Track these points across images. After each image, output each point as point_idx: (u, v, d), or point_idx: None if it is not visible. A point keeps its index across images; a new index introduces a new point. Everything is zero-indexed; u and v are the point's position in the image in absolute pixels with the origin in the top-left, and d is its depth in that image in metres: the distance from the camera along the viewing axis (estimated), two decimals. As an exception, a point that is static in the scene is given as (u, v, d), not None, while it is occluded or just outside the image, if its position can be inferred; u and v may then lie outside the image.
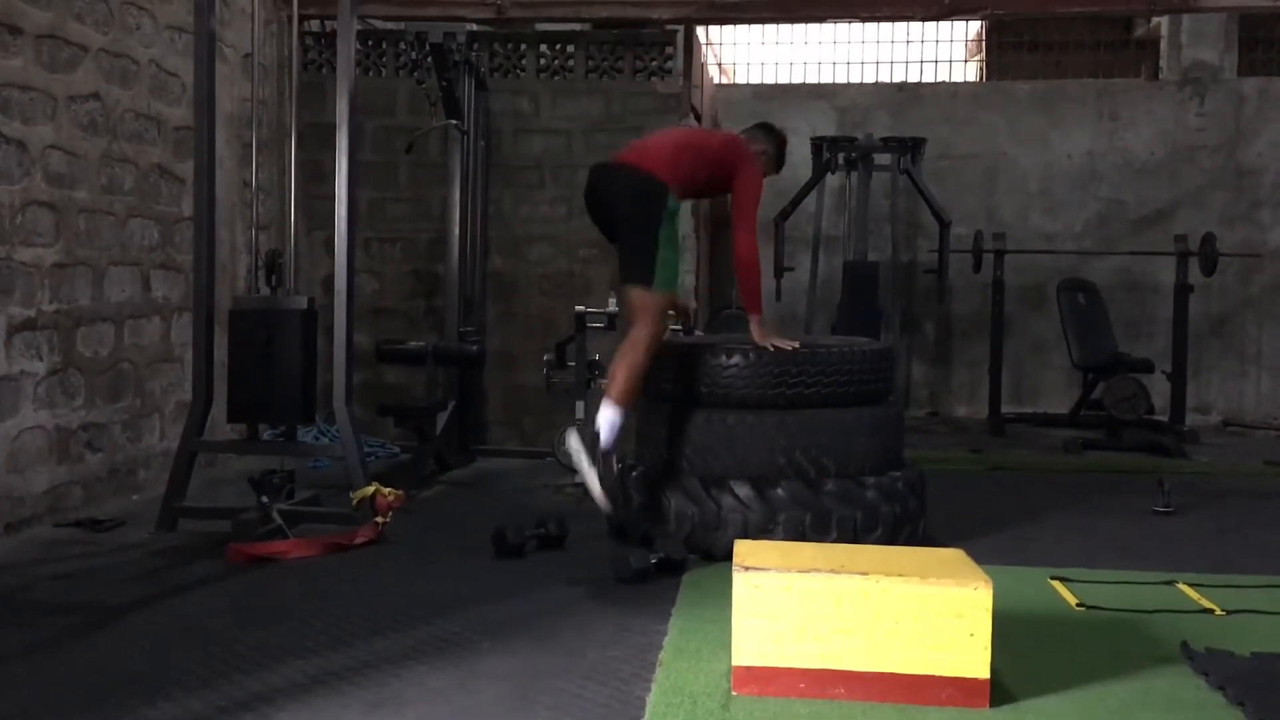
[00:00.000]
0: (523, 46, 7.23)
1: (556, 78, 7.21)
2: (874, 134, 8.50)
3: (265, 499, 4.57)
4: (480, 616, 3.54)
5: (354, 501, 4.61)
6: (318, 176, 6.76)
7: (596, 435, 4.10)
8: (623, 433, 4.22)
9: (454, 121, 6.38)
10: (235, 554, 4.18)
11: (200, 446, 4.92)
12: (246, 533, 4.36)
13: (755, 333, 4.50)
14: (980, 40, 10.51)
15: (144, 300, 5.53)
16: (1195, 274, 7.85)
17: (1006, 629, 3.03)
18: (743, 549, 3.09)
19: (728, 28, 10.06)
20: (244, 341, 4.85)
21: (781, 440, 4.32)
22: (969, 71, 10.64)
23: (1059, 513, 5.27)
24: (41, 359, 4.78)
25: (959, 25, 10.29)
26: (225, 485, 5.54)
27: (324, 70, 7.14)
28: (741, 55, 10.62)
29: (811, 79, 10.19)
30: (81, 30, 5.04)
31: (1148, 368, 7.69)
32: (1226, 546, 4.68)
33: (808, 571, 2.88)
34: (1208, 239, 7.73)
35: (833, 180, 8.67)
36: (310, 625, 3.43)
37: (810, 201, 8.53)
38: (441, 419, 6.19)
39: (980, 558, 3.11)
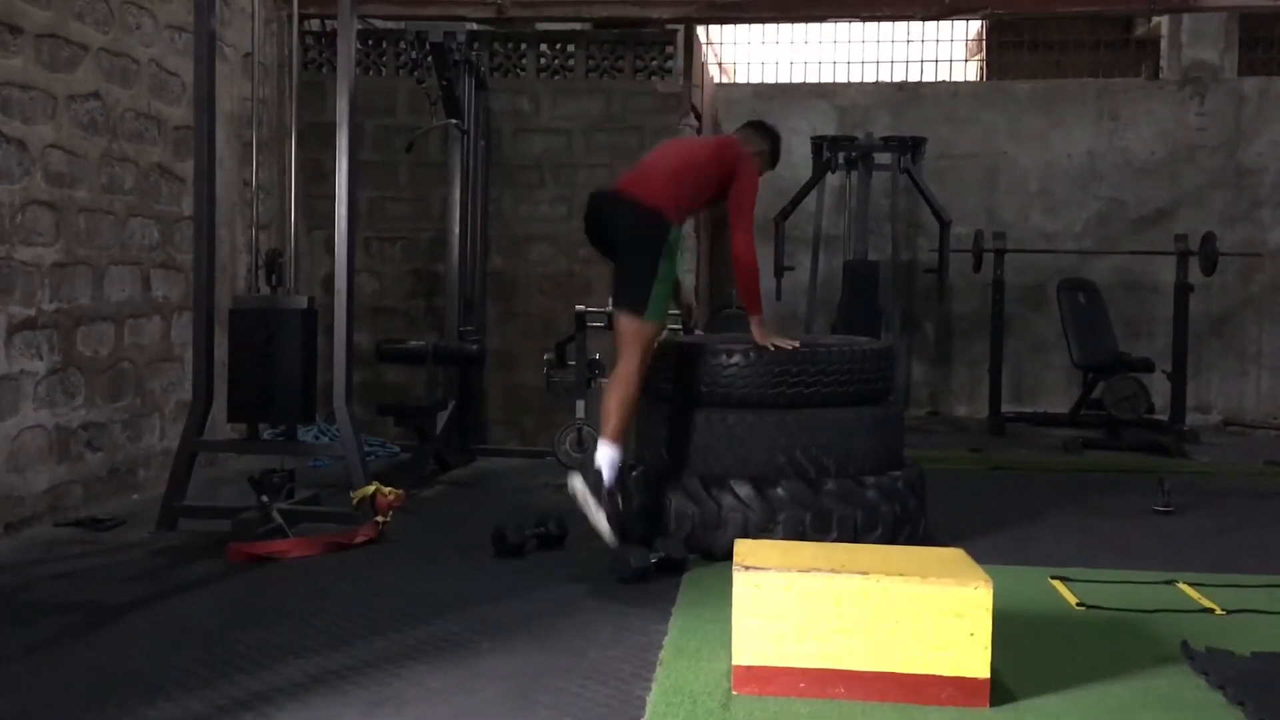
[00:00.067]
0: (523, 46, 7.22)
1: (556, 77, 7.21)
2: (874, 133, 8.50)
3: (265, 498, 4.57)
4: (480, 616, 3.54)
5: (354, 501, 4.61)
6: (318, 176, 6.75)
7: (599, 474, 4.12)
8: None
9: (454, 121, 6.37)
10: (235, 553, 4.18)
11: (200, 446, 4.92)
12: (246, 532, 4.36)
13: (755, 332, 4.50)
14: (980, 40, 10.51)
15: (144, 299, 5.53)
16: (1195, 273, 7.85)
17: (1006, 629, 3.02)
18: (743, 548, 3.09)
19: (728, 27, 10.07)
20: (244, 341, 4.85)
21: (782, 440, 4.32)
22: (969, 71, 10.64)
23: (1059, 512, 5.27)
24: (41, 358, 4.78)
25: (959, 25, 10.29)
26: (225, 485, 5.54)
27: (324, 69, 7.14)
28: (742, 55, 10.62)
29: (812, 78, 10.19)
30: (82, 29, 5.04)
31: (1148, 367, 7.69)
32: (1226, 546, 4.68)
33: (808, 571, 2.88)
34: (1208, 238, 7.73)
35: (833, 180, 8.67)
36: (310, 625, 3.43)
37: (810, 201, 8.54)
38: (441, 418, 6.19)
39: (980, 557, 3.11)
